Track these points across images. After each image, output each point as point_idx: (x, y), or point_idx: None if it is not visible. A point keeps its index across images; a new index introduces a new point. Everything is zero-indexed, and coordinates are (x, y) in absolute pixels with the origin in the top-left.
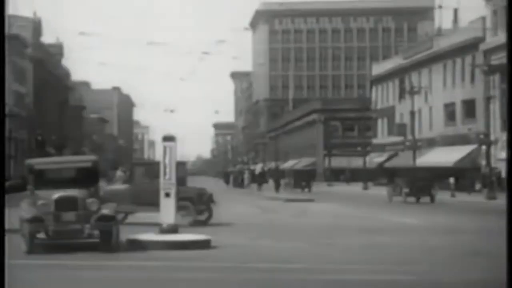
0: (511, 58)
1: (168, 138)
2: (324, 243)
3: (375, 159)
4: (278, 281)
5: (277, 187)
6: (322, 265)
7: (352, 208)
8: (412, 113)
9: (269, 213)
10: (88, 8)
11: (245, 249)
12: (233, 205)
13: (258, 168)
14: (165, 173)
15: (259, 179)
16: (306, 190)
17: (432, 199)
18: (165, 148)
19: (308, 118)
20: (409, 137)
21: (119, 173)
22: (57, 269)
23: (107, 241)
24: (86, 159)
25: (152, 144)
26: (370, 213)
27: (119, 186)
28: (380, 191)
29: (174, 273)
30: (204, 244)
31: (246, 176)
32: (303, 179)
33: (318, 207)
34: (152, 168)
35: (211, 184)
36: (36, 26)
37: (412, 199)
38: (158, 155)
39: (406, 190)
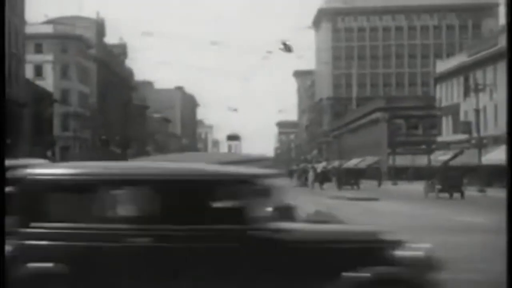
0: (511, 57)
1: (232, 137)
2: None
3: (440, 157)
4: None
5: (340, 185)
6: None
7: (417, 207)
8: (477, 111)
9: (333, 211)
10: (151, 8)
11: None
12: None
13: (320, 166)
14: None
15: (322, 177)
16: (355, 187)
17: (462, 195)
18: (229, 146)
19: (371, 116)
20: (475, 134)
21: None
22: None
23: None
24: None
25: (216, 143)
26: (436, 212)
27: None
28: None
29: None
30: None
31: (310, 174)
32: (352, 177)
33: (382, 206)
34: None
35: None
36: (100, 27)
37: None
38: None
39: (438, 186)
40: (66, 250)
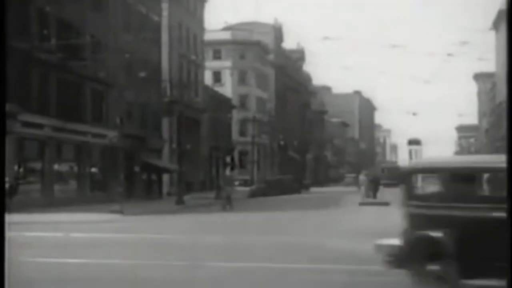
0: (511, 58)
1: (413, 141)
2: None
3: None
4: None
5: None
6: None
7: None
8: None
9: None
10: (329, 12)
11: None
12: None
13: None
14: None
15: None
16: None
17: None
18: (410, 151)
19: None
20: None
21: (362, 177)
22: None
23: None
24: None
25: (394, 147)
26: None
27: None
28: None
29: (419, 278)
30: None
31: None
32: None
33: None
34: None
35: None
36: (277, 32)
37: None
38: (400, 159)
39: None
40: None
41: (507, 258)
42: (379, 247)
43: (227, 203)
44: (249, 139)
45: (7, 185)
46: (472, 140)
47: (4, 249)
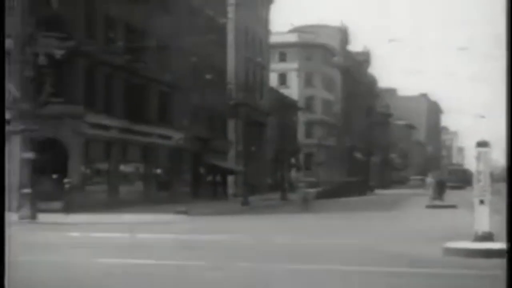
0: (511, 58)
1: (481, 144)
2: None
3: None
4: None
5: None
6: None
7: None
8: None
9: None
10: (395, 14)
11: None
12: None
13: None
14: (479, 180)
15: None
16: None
17: None
18: (479, 154)
19: None
20: None
21: (429, 179)
22: None
23: None
24: None
25: (460, 150)
26: None
27: None
28: None
29: (491, 282)
30: None
31: None
32: None
33: None
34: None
35: None
36: (343, 34)
37: None
38: (467, 162)
39: None
40: None
41: (507, 257)
42: (449, 250)
43: (303, 205)
44: (315, 141)
45: (67, 186)
46: None
47: (4, 249)
